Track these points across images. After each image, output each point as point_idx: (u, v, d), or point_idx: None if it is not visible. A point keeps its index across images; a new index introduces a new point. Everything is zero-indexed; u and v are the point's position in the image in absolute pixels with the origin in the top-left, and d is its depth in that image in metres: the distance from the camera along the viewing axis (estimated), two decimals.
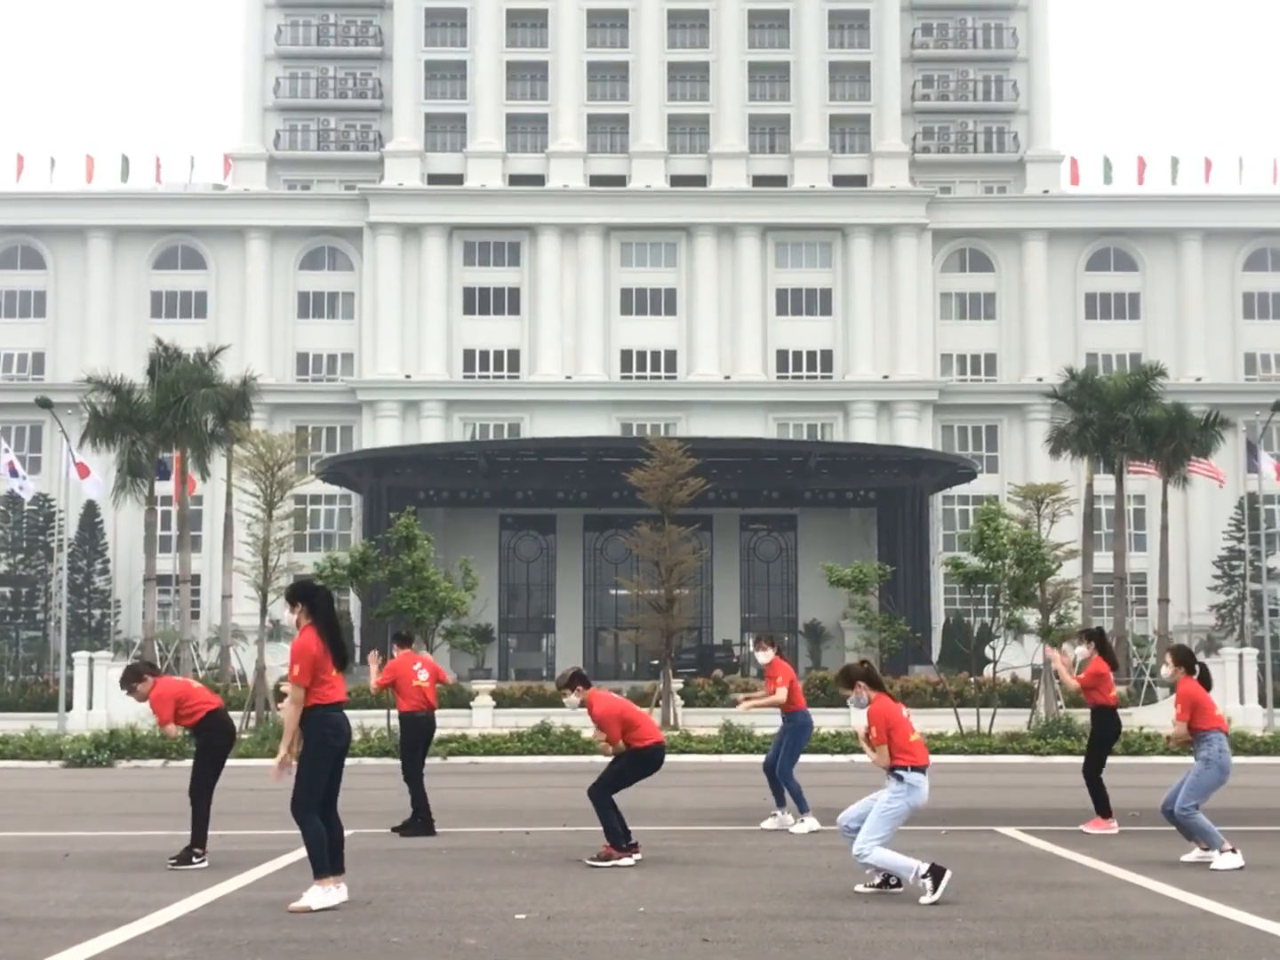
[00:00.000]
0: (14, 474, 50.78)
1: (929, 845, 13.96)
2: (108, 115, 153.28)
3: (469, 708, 39.84)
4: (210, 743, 13.08)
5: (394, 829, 15.15)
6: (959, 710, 33.33)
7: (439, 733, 31.61)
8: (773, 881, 11.67)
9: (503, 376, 73.51)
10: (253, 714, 34.97)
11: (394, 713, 29.98)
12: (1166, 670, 13.47)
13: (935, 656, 57.56)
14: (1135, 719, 36.52)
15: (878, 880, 11.05)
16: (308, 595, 10.54)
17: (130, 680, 13.17)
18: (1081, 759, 16.06)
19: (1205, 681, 13.20)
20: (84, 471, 50.09)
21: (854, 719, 37.15)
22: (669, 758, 28.13)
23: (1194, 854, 12.91)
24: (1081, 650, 16.07)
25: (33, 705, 44.01)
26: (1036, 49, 78.15)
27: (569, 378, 72.33)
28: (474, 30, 76.37)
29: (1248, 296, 75.60)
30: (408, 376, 72.20)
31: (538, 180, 75.34)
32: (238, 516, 44.88)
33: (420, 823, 15.14)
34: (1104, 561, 54.76)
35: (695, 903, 10.62)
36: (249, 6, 77.94)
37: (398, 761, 16.19)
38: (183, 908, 10.46)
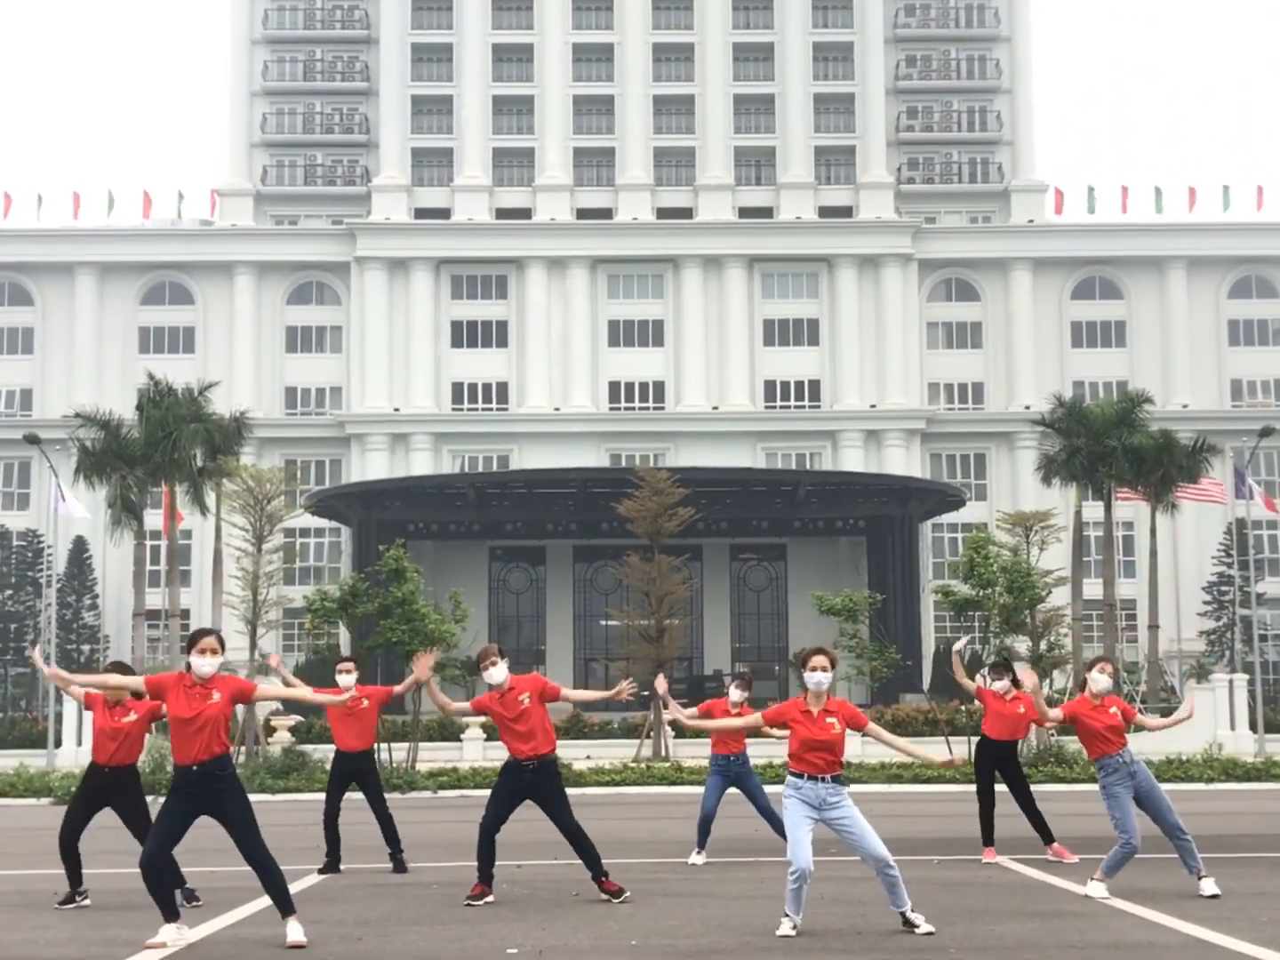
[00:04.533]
0: None
1: (921, 875, 13.94)
2: (94, 152, 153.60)
3: (459, 740, 39.72)
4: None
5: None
6: (950, 738, 33.28)
7: (429, 765, 31.67)
8: (765, 913, 11.63)
9: (491, 409, 73.57)
10: (242, 749, 34.81)
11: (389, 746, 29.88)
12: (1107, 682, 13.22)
13: (926, 684, 57.56)
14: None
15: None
16: None
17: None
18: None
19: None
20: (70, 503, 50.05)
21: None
22: (660, 789, 28.13)
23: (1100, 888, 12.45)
24: (1004, 684, 15.97)
25: (21, 742, 43.79)
26: (1020, 80, 78.65)
27: (557, 409, 72.40)
28: (460, 65, 76.72)
29: (1233, 323, 75.93)
30: (396, 410, 72.24)
31: (524, 214, 75.58)
32: (227, 550, 44.79)
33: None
34: (1093, 588, 54.79)
35: (688, 936, 10.58)
36: (235, 43, 78.26)
37: (389, 796, 16.07)
38: (172, 946, 10.39)
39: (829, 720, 10.77)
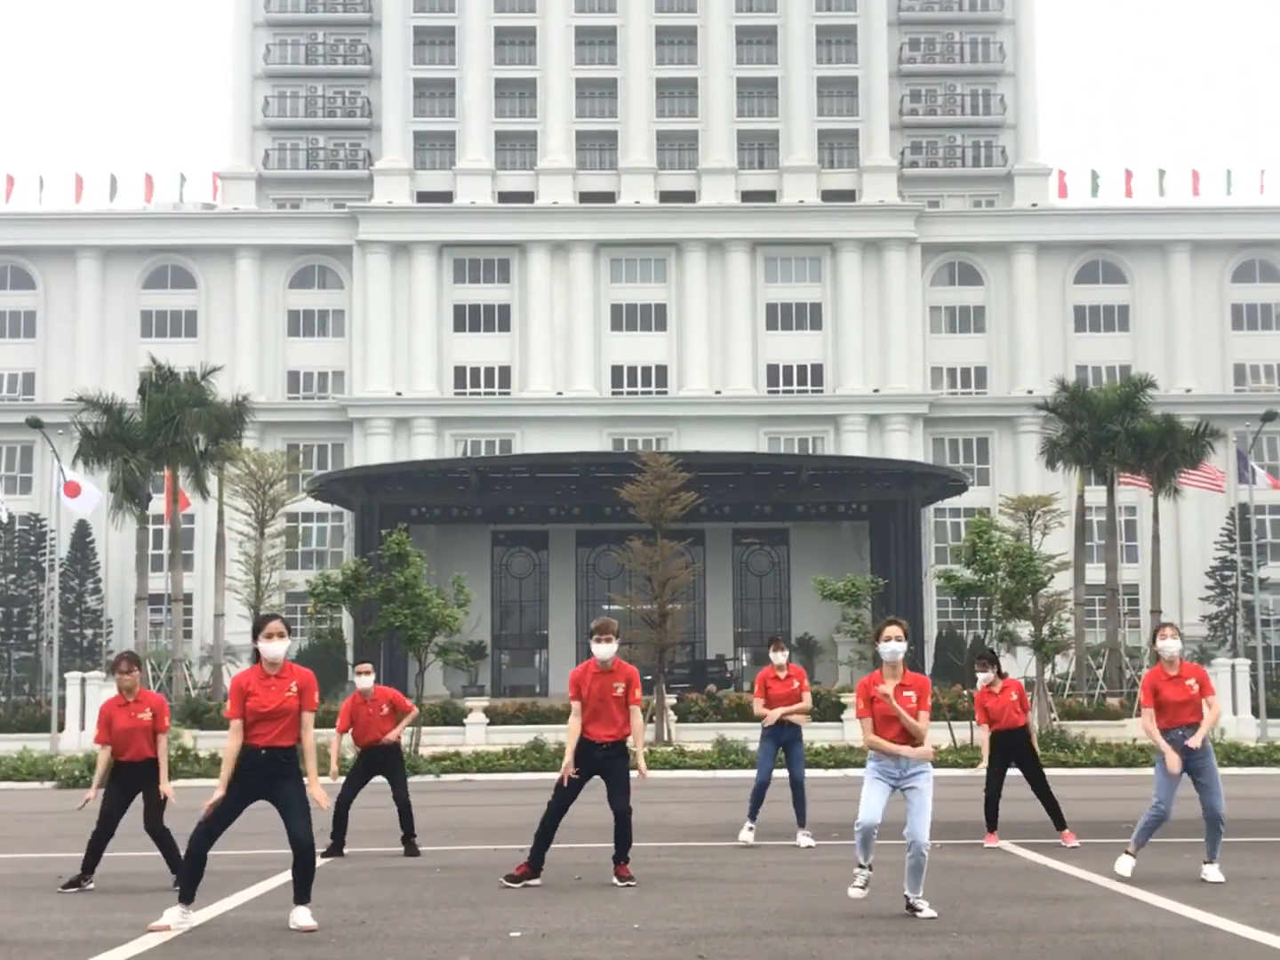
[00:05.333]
0: None
1: None
2: (96, 135, 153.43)
3: (462, 725, 39.78)
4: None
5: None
6: (952, 723, 33.31)
7: (432, 749, 31.70)
8: (767, 897, 11.65)
9: (494, 393, 73.54)
10: None
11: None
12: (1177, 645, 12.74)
13: (928, 669, 57.57)
14: (1129, 730, 36.54)
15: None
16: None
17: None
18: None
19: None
20: (73, 490, 49.91)
21: (847, 733, 37.18)
22: (663, 773, 28.15)
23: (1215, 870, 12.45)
24: (988, 675, 15.98)
25: (25, 726, 43.80)
26: (1023, 63, 78.45)
27: (560, 394, 72.37)
28: (462, 48, 76.54)
29: (1236, 308, 75.82)
30: (399, 394, 72.21)
31: (527, 197, 75.47)
32: (230, 535, 44.91)
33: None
34: (1096, 573, 54.84)
35: (690, 919, 10.60)
36: (238, 26, 78.07)
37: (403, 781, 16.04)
38: (176, 929, 10.42)
39: (906, 694, 10.81)
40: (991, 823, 15.60)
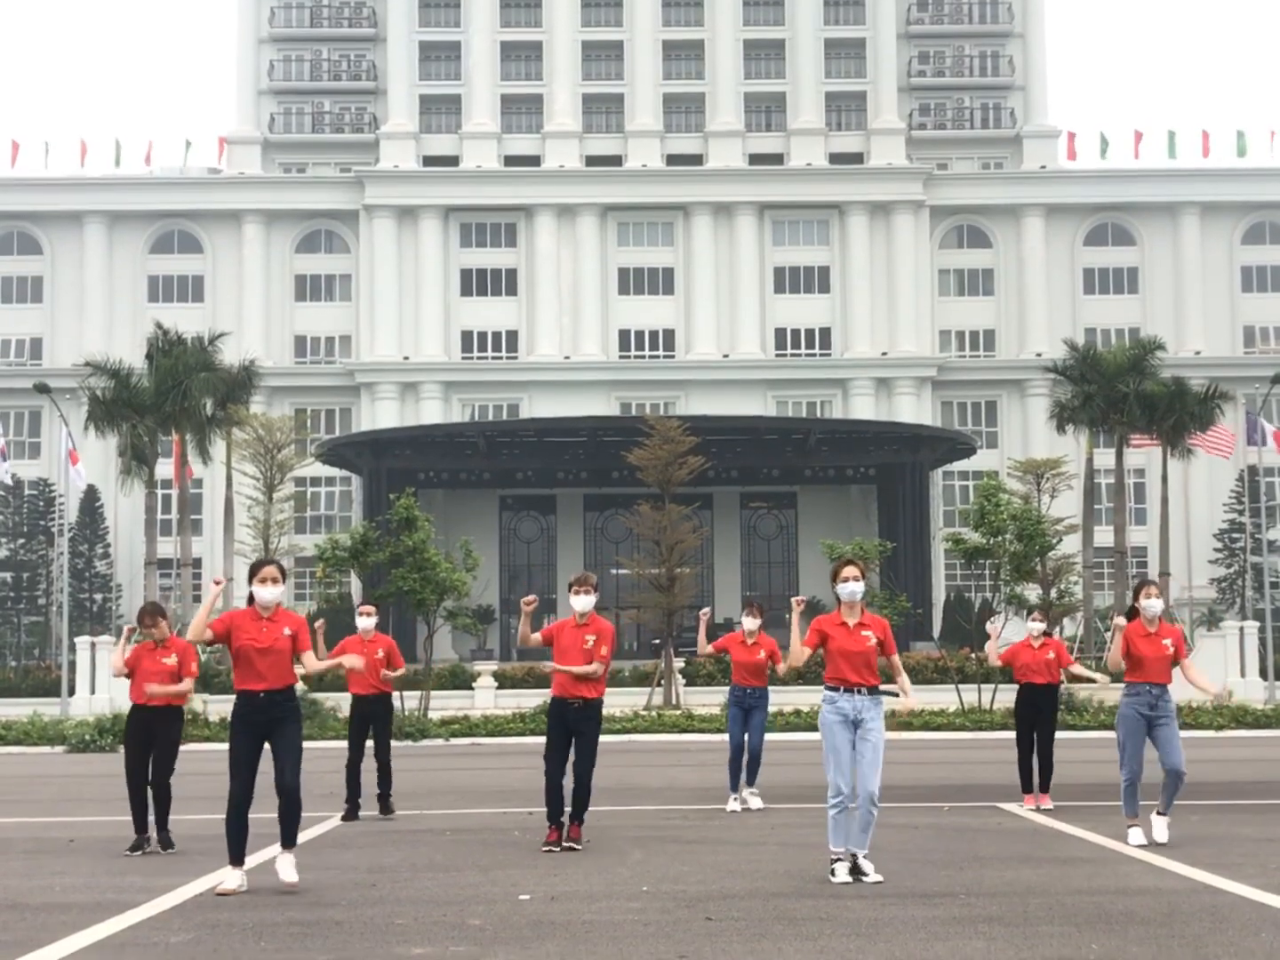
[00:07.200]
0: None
1: (932, 821, 14.01)
2: (101, 99, 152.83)
3: (471, 689, 39.92)
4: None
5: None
6: (960, 686, 33.34)
7: (441, 713, 31.82)
8: (775, 859, 11.69)
9: (501, 357, 73.44)
10: None
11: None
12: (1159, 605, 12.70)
13: (936, 632, 57.63)
14: None
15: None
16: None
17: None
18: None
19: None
20: (77, 459, 50.14)
21: None
22: (670, 737, 28.23)
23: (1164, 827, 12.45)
24: (1040, 626, 15.97)
25: (35, 690, 44.02)
26: (1032, 23, 77.88)
27: (567, 358, 72.27)
28: (468, 10, 76.09)
29: (1246, 270, 75.48)
30: (406, 358, 72.15)
31: (533, 161, 75.17)
32: (238, 499, 45.01)
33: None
34: (1104, 536, 54.74)
35: (699, 881, 10.63)
36: None
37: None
38: (187, 892, 10.47)
39: (864, 633, 10.76)
40: (1026, 784, 15.52)
